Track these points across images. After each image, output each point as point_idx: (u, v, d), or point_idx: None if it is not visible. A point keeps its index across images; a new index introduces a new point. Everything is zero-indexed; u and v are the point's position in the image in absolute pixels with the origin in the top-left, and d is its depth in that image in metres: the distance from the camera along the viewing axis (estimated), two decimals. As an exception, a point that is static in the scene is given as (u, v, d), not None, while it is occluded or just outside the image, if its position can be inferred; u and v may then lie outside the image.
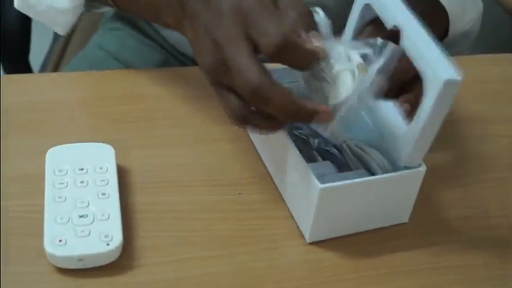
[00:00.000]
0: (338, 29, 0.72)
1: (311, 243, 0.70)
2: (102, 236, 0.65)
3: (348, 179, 0.68)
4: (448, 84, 0.63)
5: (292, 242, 0.70)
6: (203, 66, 0.66)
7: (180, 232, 0.70)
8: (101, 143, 0.75)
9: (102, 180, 0.71)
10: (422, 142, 0.67)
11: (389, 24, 0.69)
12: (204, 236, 0.70)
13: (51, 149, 0.74)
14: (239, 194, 0.74)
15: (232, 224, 0.71)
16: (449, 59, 0.64)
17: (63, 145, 0.74)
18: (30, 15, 0.89)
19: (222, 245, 0.69)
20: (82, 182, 0.71)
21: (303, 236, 0.71)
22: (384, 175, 0.69)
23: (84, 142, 0.75)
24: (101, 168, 0.72)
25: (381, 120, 0.71)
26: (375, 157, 0.70)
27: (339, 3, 0.96)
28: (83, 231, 0.66)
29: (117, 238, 0.65)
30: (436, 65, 0.64)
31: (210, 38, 0.65)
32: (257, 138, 0.79)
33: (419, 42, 0.66)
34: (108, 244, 0.65)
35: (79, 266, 0.65)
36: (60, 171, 0.72)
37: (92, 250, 0.65)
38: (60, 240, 0.65)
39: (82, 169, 0.72)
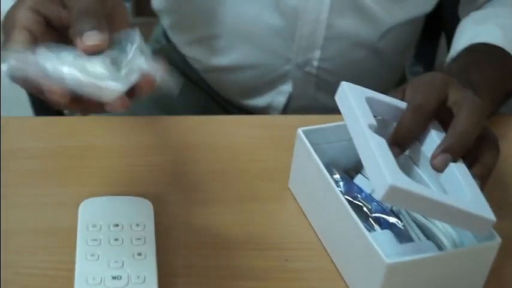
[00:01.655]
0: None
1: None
2: None
3: (413, 251, 0.63)
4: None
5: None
6: None
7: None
8: (138, 197, 0.70)
9: (139, 239, 0.66)
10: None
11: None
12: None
13: (85, 201, 0.70)
14: (286, 260, 0.69)
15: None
16: None
17: (97, 197, 0.70)
18: None
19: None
20: (116, 239, 0.66)
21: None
22: (456, 249, 0.64)
23: (120, 195, 0.71)
24: (137, 225, 0.68)
25: (445, 185, 0.66)
26: (440, 226, 0.65)
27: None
28: (116, 294, 0.61)
29: None
30: None
31: None
32: (305, 199, 0.74)
33: None
34: None
35: None
36: (93, 226, 0.67)
37: None
38: None
39: (117, 225, 0.67)
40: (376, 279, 0.61)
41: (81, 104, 0.60)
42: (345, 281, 0.67)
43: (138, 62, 0.59)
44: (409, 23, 1.02)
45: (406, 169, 0.71)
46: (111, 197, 0.70)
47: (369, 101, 0.68)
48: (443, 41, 1.29)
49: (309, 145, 0.71)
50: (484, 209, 0.62)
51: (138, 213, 0.69)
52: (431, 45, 1.28)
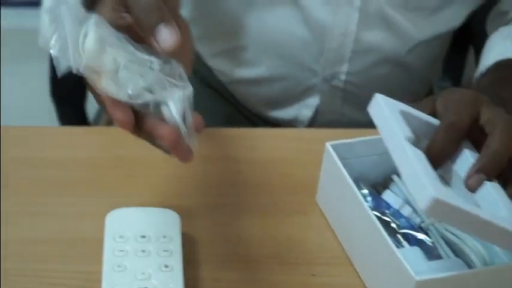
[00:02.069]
0: None
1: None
2: None
3: (441, 269, 0.62)
4: None
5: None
6: None
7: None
8: (166, 209, 0.70)
9: (166, 251, 0.66)
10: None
11: None
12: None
13: (112, 212, 0.69)
14: (313, 275, 0.68)
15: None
16: None
17: (124, 208, 0.70)
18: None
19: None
20: (144, 251, 0.66)
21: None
22: (486, 267, 0.63)
23: (147, 206, 0.70)
24: (164, 237, 0.67)
25: (480, 203, 0.65)
26: (470, 244, 0.64)
27: None
28: (143, 306, 0.61)
29: None
30: None
31: None
32: (332, 213, 0.74)
33: None
34: None
35: None
36: (120, 237, 0.67)
37: None
38: None
39: (144, 236, 0.67)
40: None
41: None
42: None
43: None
44: (438, 38, 1.01)
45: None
46: (139, 208, 0.70)
47: (403, 115, 0.68)
48: (471, 55, 1.28)
49: (337, 159, 0.70)
50: None
51: (165, 225, 0.68)
52: (459, 60, 1.27)
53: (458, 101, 0.70)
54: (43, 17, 0.80)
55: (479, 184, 0.65)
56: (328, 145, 0.72)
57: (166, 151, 0.59)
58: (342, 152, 0.72)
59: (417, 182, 0.60)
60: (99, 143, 0.82)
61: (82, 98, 1.16)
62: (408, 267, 0.60)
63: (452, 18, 1.00)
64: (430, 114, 0.71)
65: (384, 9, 0.94)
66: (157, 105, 0.57)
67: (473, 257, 0.64)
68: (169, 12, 0.59)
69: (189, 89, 0.58)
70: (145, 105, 0.57)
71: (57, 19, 0.58)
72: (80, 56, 0.56)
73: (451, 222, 0.63)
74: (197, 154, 0.79)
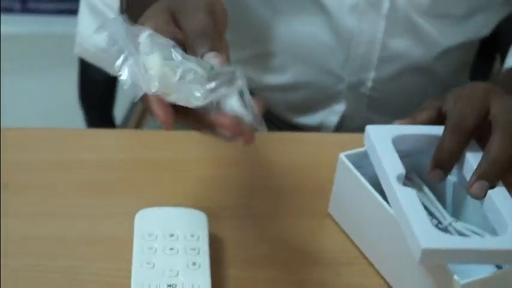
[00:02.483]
0: None
1: None
2: None
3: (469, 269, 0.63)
4: None
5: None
6: None
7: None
8: (193, 209, 0.71)
9: (193, 249, 0.67)
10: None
11: None
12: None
13: (141, 211, 0.71)
14: (338, 275, 0.69)
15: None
16: None
17: (153, 208, 0.71)
18: (88, 59, 0.87)
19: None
20: (172, 249, 0.67)
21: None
22: (495, 246, 0.63)
23: (174, 206, 0.72)
24: (192, 235, 0.69)
25: (485, 214, 0.66)
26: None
27: None
28: (170, 302, 0.63)
29: None
30: None
31: None
32: (347, 220, 0.74)
33: None
34: None
35: None
36: (149, 235, 0.68)
37: None
38: None
39: (172, 235, 0.68)
40: None
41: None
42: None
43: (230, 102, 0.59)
44: (464, 45, 1.01)
45: (456, 197, 0.71)
46: (167, 208, 0.71)
47: (398, 140, 0.69)
48: (498, 64, 1.28)
49: (351, 166, 0.71)
50: None
51: (193, 224, 0.70)
52: (485, 69, 1.27)
53: (466, 97, 0.70)
54: (83, 27, 0.82)
55: (483, 191, 0.65)
56: (342, 156, 0.73)
57: (228, 139, 0.61)
58: (356, 161, 0.72)
59: (408, 230, 0.62)
60: (128, 145, 0.83)
61: (110, 103, 1.18)
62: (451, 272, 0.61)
63: (480, 26, 1.00)
64: (435, 113, 0.71)
65: (410, 16, 0.95)
66: (219, 102, 0.59)
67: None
68: (217, 35, 0.62)
69: (242, 79, 0.60)
70: (209, 104, 0.59)
71: (108, 34, 0.59)
72: (150, 78, 0.58)
73: (451, 261, 0.63)
74: (223, 156, 0.82)
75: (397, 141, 0.69)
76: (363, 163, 0.72)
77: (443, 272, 0.61)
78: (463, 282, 0.60)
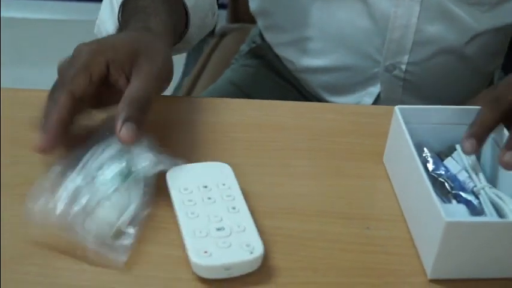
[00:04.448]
0: None
1: (432, 281, 0.68)
2: (244, 246, 0.66)
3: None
4: None
5: (414, 279, 0.69)
6: None
7: (304, 257, 0.70)
8: (216, 162, 0.76)
9: (228, 196, 0.72)
10: None
11: None
12: (326, 263, 0.69)
13: (172, 169, 0.74)
14: (367, 228, 0.73)
15: (355, 256, 0.70)
16: None
17: (181, 165, 0.75)
18: None
19: (343, 274, 0.69)
20: (209, 198, 0.72)
21: (426, 275, 0.69)
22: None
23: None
24: (223, 184, 0.73)
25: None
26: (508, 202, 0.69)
27: None
28: (224, 242, 0.67)
29: (258, 247, 0.67)
30: None
31: None
32: (395, 174, 0.78)
33: None
34: (251, 252, 0.66)
35: (225, 275, 0.66)
36: (185, 189, 0.72)
37: (237, 259, 0.66)
38: (206, 252, 0.66)
39: (206, 186, 0.73)
40: (437, 236, 0.65)
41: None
42: (416, 248, 0.71)
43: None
44: (497, 30, 1.04)
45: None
46: (194, 164, 0.75)
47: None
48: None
49: (402, 122, 0.75)
50: None
51: (221, 174, 0.74)
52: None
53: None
54: (103, 11, 0.89)
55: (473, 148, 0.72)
56: (396, 108, 0.77)
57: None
58: (409, 117, 0.76)
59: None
60: (171, 109, 0.88)
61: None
62: (441, 210, 0.64)
63: None
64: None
65: (443, 2, 0.98)
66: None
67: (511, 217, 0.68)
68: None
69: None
70: None
71: None
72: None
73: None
74: (261, 122, 0.86)
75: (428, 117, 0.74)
76: (416, 120, 0.76)
77: (437, 213, 0.65)
78: (447, 220, 0.64)
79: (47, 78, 0.78)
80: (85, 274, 0.66)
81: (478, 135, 0.73)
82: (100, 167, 0.70)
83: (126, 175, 0.70)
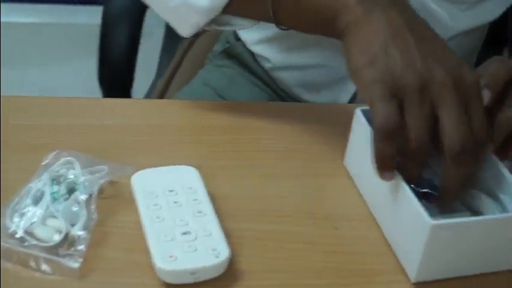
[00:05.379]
0: None
1: (415, 283, 0.68)
2: (209, 250, 0.66)
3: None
4: None
5: (392, 278, 0.68)
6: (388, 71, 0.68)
7: (272, 260, 0.69)
8: (183, 166, 0.75)
9: (195, 200, 0.71)
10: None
11: None
12: (295, 265, 0.69)
13: (137, 173, 0.73)
14: (335, 228, 0.72)
15: (327, 256, 0.70)
16: None
17: (146, 169, 0.74)
18: (159, 11, 0.88)
19: (314, 275, 0.68)
20: (175, 202, 0.71)
21: (404, 274, 0.68)
22: (498, 215, 0.67)
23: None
24: (190, 188, 0.72)
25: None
26: (484, 201, 0.69)
27: None
28: (189, 246, 0.66)
29: (224, 251, 0.66)
30: None
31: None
32: (358, 174, 0.78)
33: None
34: (217, 257, 0.65)
35: (191, 280, 0.65)
36: (151, 193, 0.71)
37: (203, 263, 0.65)
38: (171, 256, 0.65)
39: (172, 190, 0.72)
40: (420, 239, 0.65)
41: None
42: (389, 246, 0.71)
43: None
44: (474, 31, 1.04)
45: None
46: (159, 168, 0.74)
47: None
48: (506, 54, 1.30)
49: (365, 121, 0.74)
50: None
51: (188, 178, 0.73)
52: (491, 55, 1.29)
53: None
54: None
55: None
56: (358, 110, 0.76)
57: None
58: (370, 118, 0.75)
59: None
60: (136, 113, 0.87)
61: (129, 84, 1.21)
62: (425, 212, 0.64)
63: (490, 11, 1.02)
64: None
65: (424, 0, 0.97)
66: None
67: (485, 213, 0.68)
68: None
69: None
70: None
71: None
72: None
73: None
74: (232, 124, 0.85)
75: None
76: None
77: (419, 216, 0.65)
78: (433, 222, 0.63)
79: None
80: (44, 284, 0.65)
81: (491, 86, 0.72)
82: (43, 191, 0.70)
83: (72, 189, 0.70)
